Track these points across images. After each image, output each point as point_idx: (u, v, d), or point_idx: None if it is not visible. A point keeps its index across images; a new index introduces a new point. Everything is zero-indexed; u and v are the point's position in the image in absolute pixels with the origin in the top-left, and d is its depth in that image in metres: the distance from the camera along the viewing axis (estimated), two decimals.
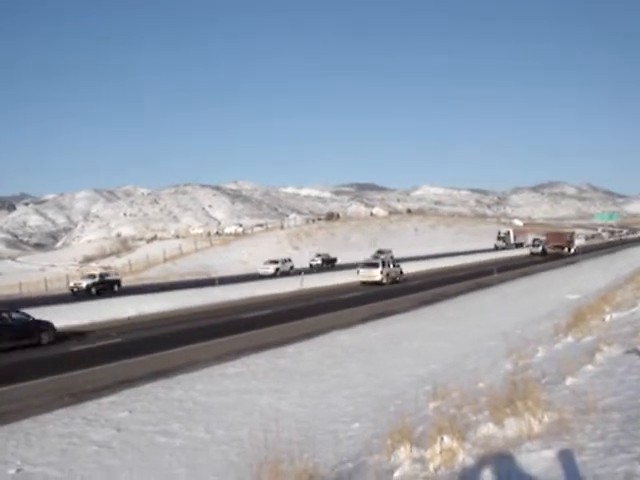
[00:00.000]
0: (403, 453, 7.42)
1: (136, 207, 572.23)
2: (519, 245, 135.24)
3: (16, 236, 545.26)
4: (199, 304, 44.74)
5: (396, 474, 6.90)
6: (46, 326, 30.82)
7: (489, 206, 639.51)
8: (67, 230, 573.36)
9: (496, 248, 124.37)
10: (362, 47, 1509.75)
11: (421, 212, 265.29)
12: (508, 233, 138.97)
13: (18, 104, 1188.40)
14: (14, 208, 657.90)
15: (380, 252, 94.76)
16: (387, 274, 57.53)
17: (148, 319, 38.21)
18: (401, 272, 61.18)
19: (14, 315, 29.95)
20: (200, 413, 15.40)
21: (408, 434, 7.92)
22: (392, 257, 75.62)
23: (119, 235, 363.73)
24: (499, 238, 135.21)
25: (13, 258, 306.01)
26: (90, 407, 16.46)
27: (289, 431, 11.26)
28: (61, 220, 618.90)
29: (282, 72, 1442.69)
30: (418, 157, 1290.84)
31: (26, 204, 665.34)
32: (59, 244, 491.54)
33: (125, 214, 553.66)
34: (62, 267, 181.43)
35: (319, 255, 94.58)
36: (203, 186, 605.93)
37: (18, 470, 11.56)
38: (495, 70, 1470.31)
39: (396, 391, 16.09)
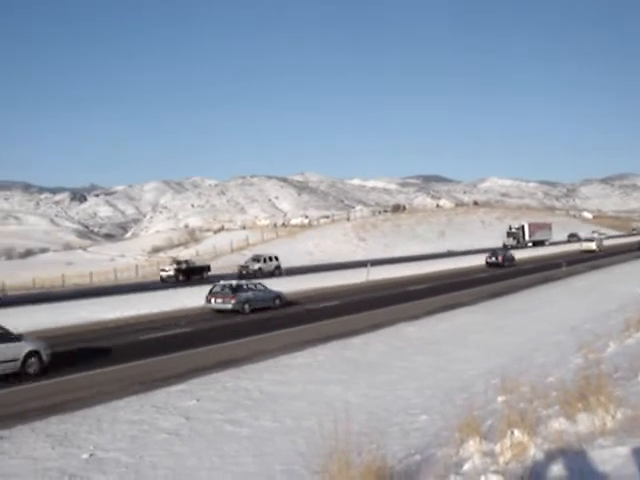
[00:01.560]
0: (472, 446, 7.34)
1: (203, 198, 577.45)
2: (538, 243, 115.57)
3: (87, 227, 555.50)
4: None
5: (465, 467, 6.84)
6: None
7: (557, 198, 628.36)
8: (136, 221, 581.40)
9: (505, 247, 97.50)
10: (428, 44, 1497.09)
11: (488, 204, 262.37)
12: (521, 228, 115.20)
13: (91, 100, 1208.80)
14: (85, 199, 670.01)
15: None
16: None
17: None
18: None
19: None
20: (267, 403, 15.49)
21: (477, 427, 7.84)
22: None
23: (187, 226, 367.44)
24: (509, 234, 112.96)
25: (84, 248, 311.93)
26: (159, 395, 16.70)
27: (356, 422, 11.25)
28: (130, 211, 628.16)
29: (348, 67, 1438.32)
30: (485, 149, 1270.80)
31: (96, 195, 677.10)
32: (128, 235, 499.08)
33: (193, 205, 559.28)
34: (131, 257, 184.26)
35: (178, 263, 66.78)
36: (270, 177, 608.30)
37: (91, 455, 11.79)
38: (566, 56, 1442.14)
39: (463, 384, 15.99)
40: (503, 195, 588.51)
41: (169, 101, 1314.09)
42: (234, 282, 37.08)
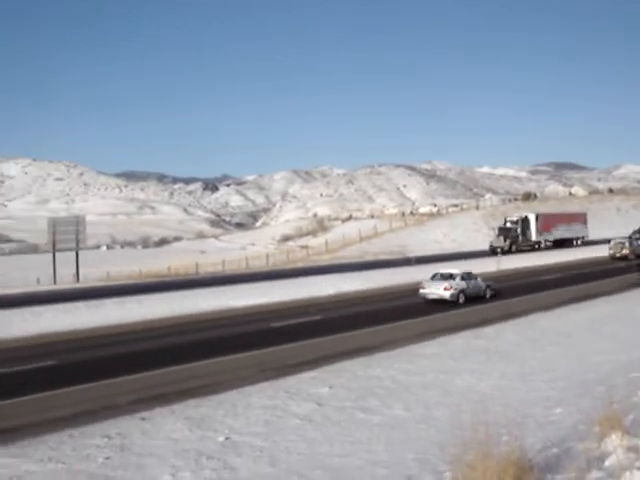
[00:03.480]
0: (614, 441, 7.14)
1: (332, 187, 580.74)
2: (561, 242, 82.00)
3: (219, 216, 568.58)
4: (396, 283, 44.91)
5: (607, 462, 6.65)
6: None
7: None
8: (266, 210, 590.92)
9: (493, 252, 68.83)
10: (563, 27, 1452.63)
11: (623, 192, 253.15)
12: (522, 221, 79.19)
13: (226, 93, 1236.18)
14: (217, 189, 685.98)
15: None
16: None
17: (346, 297, 38.81)
18: None
19: None
20: (398, 391, 15.49)
21: (618, 422, 7.61)
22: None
23: (315, 215, 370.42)
24: (501, 231, 77.77)
25: (216, 237, 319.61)
26: (291, 381, 16.97)
27: (488, 413, 11.07)
28: (260, 200, 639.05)
29: (474, 50, 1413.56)
30: (620, 134, 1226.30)
31: (228, 185, 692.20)
32: (258, 223, 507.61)
33: (321, 194, 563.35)
34: (261, 246, 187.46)
35: None
36: (397, 166, 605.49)
37: (226, 438, 12.08)
38: None
39: (599, 376, 15.53)
40: None
41: (297, 90, 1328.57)
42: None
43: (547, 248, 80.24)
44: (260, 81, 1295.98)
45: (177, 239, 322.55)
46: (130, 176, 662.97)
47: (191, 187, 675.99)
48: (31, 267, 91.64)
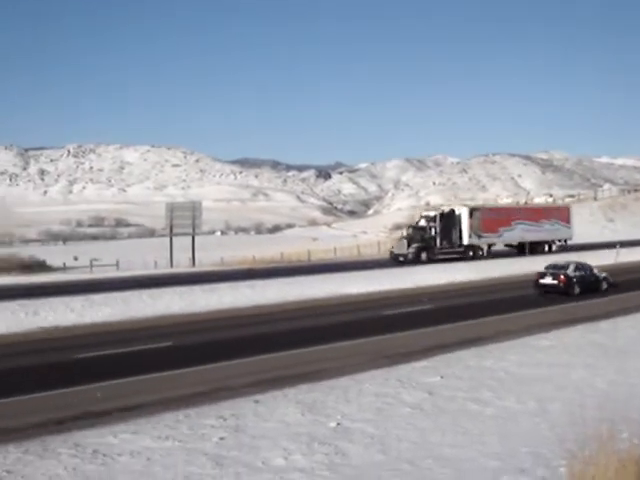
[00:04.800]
0: None
1: (445, 176, 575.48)
2: (522, 247, 63.61)
3: (331, 203, 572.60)
4: (509, 274, 44.32)
5: None
6: None
7: None
8: (378, 198, 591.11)
9: (396, 259, 55.55)
10: None
11: None
12: (442, 218, 58.32)
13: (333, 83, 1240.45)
14: (330, 177, 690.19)
15: None
16: None
17: (458, 287, 38.58)
18: None
19: None
20: (511, 383, 15.28)
21: None
22: None
23: (428, 204, 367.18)
24: (410, 230, 59.29)
25: (328, 224, 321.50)
26: (403, 370, 16.96)
27: (604, 409, 10.81)
28: (372, 188, 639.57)
29: (601, 32, 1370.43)
30: None
31: (340, 173, 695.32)
32: (370, 212, 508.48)
33: (434, 183, 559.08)
34: (373, 234, 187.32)
35: None
36: (512, 155, 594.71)
37: (338, 424, 12.19)
38: None
39: None
40: None
41: (411, 77, 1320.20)
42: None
43: (499, 255, 61.16)
44: (375, 68, 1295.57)
45: (290, 226, 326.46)
46: (244, 163, 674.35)
47: (304, 174, 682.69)
48: (148, 251, 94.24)
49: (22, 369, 19.12)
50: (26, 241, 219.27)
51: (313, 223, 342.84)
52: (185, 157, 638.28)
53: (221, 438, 11.29)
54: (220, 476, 9.51)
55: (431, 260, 54.74)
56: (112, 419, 13.11)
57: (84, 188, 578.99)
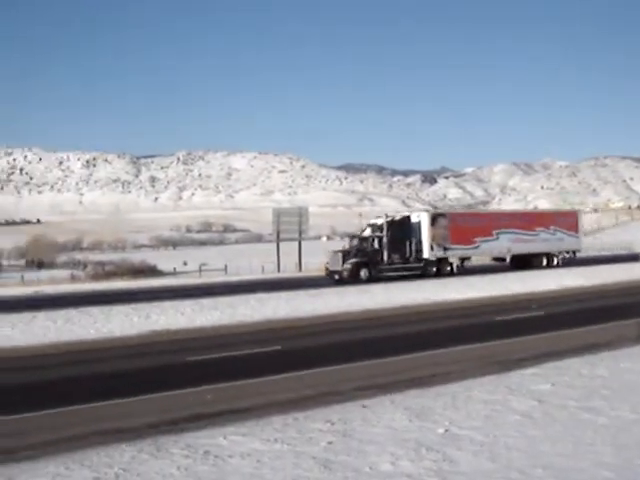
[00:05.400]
0: None
1: (553, 180, 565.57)
2: (452, 266, 51.45)
3: (436, 208, 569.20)
4: (622, 279, 43.16)
5: None
6: None
7: None
8: (484, 203, 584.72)
9: (331, 277, 47.05)
10: None
11: None
12: (392, 227, 49.27)
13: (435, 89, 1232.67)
14: (435, 181, 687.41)
15: None
16: None
17: (568, 293, 37.82)
18: None
19: None
20: (626, 392, 14.84)
21: None
22: None
23: (535, 208, 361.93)
24: (356, 239, 51.25)
25: None
26: (512, 377, 16.69)
27: None
28: (479, 193, 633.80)
29: None
30: None
31: (446, 177, 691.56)
32: None
33: (542, 187, 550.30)
34: None
35: None
36: (624, 158, 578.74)
37: (446, 430, 12.08)
38: None
39: None
40: None
41: (515, 79, 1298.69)
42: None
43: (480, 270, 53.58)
44: (481, 73, 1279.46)
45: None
46: (349, 168, 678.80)
47: (410, 179, 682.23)
48: (255, 256, 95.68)
49: (136, 370, 19.81)
50: (138, 246, 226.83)
51: None
52: (291, 163, 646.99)
53: (329, 442, 11.35)
54: None
55: (375, 278, 45.93)
56: (222, 421, 13.38)
57: (193, 194, 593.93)
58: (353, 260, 46.31)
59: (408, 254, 48.78)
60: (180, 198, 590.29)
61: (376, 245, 47.91)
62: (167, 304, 33.41)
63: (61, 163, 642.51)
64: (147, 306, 32.72)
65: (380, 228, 49.06)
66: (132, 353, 23.16)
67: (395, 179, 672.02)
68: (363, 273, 46.17)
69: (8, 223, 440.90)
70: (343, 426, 12.39)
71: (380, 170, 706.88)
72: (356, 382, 16.86)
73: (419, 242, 49.35)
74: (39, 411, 14.75)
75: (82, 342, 24.77)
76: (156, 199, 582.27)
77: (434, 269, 49.68)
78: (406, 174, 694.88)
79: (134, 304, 33.97)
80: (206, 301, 34.40)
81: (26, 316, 30.75)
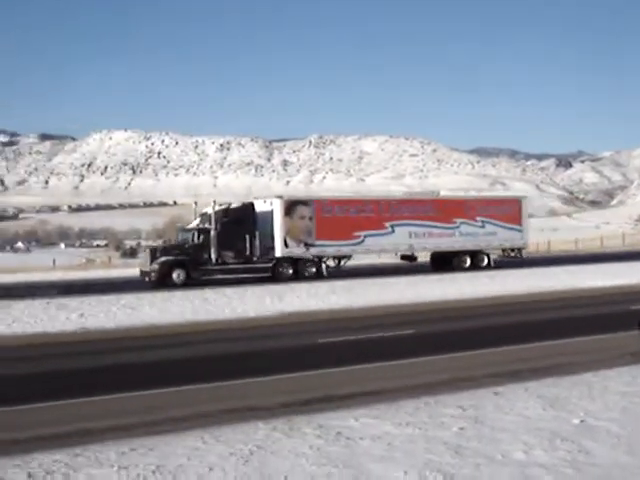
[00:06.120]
0: None
1: None
2: (321, 267, 41.15)
3: (571, 193, 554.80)
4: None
5: None
6: None
7: None
8: (622, 188, 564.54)
9: (143, 277, 38.41)
10: None
11: None
12: (219, 217, 38.66)
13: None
14: (570, 165, 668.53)
15: None
16: None
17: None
18: None
19: None
20: None
21: None
22: None
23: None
24: (181, 232, 44.25)
25: (568, 215, 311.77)
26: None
27: None
28: (617, 177, 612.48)
29: None
30: None
31: (582, 162, 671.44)
32: (614, 202, 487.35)
33: None
34: (616, 225, 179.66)
35: None
36: None
37: (581, 421, 11.81)
38: None
39: None
40: None
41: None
42: None
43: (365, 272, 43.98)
44: (615, 55, 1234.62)
45: (529, 216, 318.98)
46: (482, 152, 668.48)
47: (544, 163, 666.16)
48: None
49: (272, 350, 20.38)
50: None
51: (553, 213, 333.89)
52: (422, 147, 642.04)
53: (461, 428, 11.28)
54: (460, 466, 9.48)
55: (199, 282, 37.02)
56: (354, 403, 13.49)
57: (324, 178, 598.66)
58: (163, 259, 37.50)
59: (249, 252, 38.94)
60: (311, 182, 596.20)
61: (201, 240, 38.50)
62: (298, 286, 33.95)
63: (196, 147, 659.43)
64: (280, 288, 33.38)
65: (209, 219, 39.05)
66: (265, 334, 23.67)
67: (529, 163, 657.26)
68: (177, 275, 37.02)
69: (146, 205, 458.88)
70: (475, 412, 12.30)
71: (513, 154, 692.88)
72: (490, 368, 16.81)
73: (268, 237, 39.56)
74: (180, 386, 15.32)
75: (217, 322, 25.48)
76: (288, 182, 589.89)
77: (290, 271, 39.94)
78: (540, 158, 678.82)
79: (267, 285, 34.72)
80: (338, 283, 34.86)
81: (164, 295, 31.91)
